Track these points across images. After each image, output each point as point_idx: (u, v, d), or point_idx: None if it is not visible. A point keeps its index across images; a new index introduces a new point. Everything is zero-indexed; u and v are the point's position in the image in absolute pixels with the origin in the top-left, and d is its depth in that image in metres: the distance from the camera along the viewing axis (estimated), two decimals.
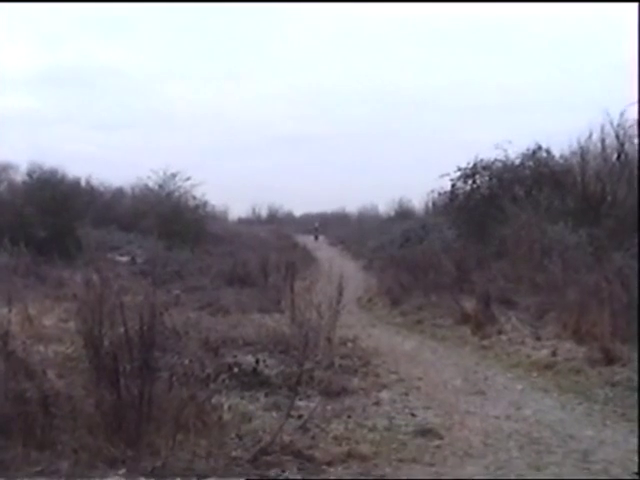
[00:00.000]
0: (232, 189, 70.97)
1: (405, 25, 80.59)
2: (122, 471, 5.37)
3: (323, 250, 42.71)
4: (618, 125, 21.25)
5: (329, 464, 5.85)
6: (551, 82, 76.39)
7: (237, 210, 73.60)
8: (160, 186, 37.41)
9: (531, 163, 24.20)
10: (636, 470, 5.84)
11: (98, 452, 5.50)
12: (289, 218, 67.94)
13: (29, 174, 32.28)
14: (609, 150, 21.79)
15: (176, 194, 37.34)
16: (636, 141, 20.89)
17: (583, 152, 22.64)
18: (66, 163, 46.19)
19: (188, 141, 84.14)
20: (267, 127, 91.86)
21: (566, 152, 23.73)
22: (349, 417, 7.33)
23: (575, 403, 8.33)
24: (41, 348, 8.24)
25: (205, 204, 38.03)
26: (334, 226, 55.44)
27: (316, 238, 51.77)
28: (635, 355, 9.38)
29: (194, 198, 37.29)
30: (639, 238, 15.15)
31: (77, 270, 16.94)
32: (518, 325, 12.96)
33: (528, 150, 24.19)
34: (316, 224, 54.87)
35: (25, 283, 16.75)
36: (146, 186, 38.38)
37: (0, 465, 5.36)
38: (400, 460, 6.06)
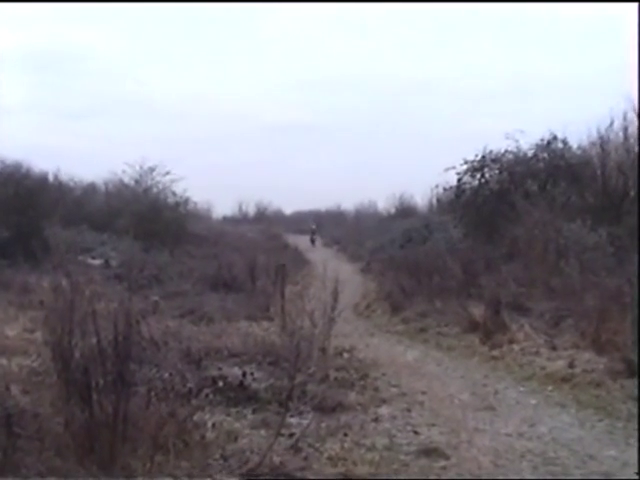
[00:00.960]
0: (216, 185, 70.89)
1: (406, 8, 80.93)
2: None
3: (317, 251, 42.73)
4: None
5: None
6: (568, 65, 76.89)
7: (222, 208, 73.62)
8: (136, 181, 37.39)
9: (545, 155, 24.25)
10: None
11: (67, 476, 5.47)
12: (279, 216, 67.93)
13: None
14: (632, 140, 21.82)
15: (154, 190, 37.31)
16: None
17: (603, 142, 22.72)
18: (32, 156, 45.95)
19: (167, 132, 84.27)
20: (255, 116, 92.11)
21: (584, 142, 23.86)
22: (345, 435, 7.31)
23: (595, 420, 8.33)
24: (4, 361, 8.23)
25: (186, 201, 37.95)
26: (329, 225, 55.49)
27: (312, 242, 49.37)
28: None
29: (174, 194, 37.26)
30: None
31: (44, 274, 16.94)
32: (531, 333, 12.96)
33: (542, 140, 24.27)
34: (313, 225, 52.05)
35: None
36: (121, 181, 38.38)
37: None
38: None
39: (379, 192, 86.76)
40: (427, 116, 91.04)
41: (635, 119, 21.45)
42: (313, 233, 50.58)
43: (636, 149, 21.57)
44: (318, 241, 50.51)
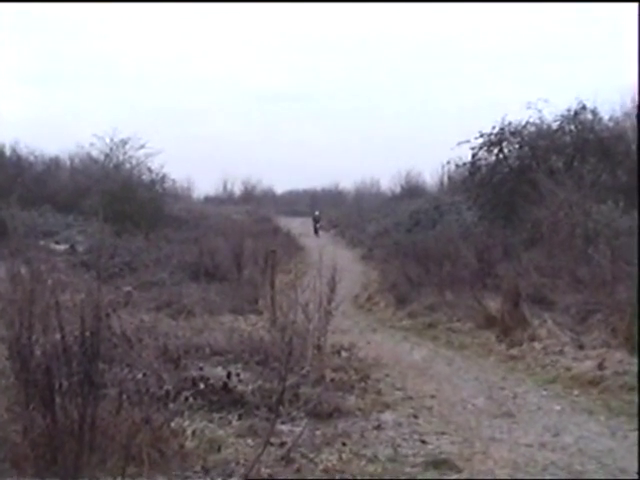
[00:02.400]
0: (197, 160, 71.08)
1: None
2: None
3: (311, 236, 42.72)
4: None
5: None
6: (600, 25, 76.54)
7: (203, 186, 73.87)
8: (106, 156, 37.40)
9: (572, 127, 24.25)
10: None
11: None
12: (269, 196, 68.00)
13: None
14: None
15: (127, 166, 37.36)
16: None
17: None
18: None
19: (142, 100, 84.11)
20: (241, 83, 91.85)
21: (617, 113, 23.90)
22: (343, 445, 7.30)
23: (627, 429, 8.32)
24: None
25: (163, 178, 37.99)
26: (326, 206, 55.50)
27: (316, 232, 47.30)
28: None
29: (149, 171, 37.32)
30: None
31: (0, 262, 16.87)
32: (555, 330, 12.97)
33: (569, 111, 24.25)
34: (316, 212, 49.57)
35: None
36: (89, 156, 38.40)
37: None
38: None
39: (382, 169, 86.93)
40: (437, 83, 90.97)
41: None
42: (317, 221, 48.49)
43: None
44: (311, 226, 49.95)
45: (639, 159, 19.72)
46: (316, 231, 47.18)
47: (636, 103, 22.49)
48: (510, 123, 24.84)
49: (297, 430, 7.40)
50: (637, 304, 11.06)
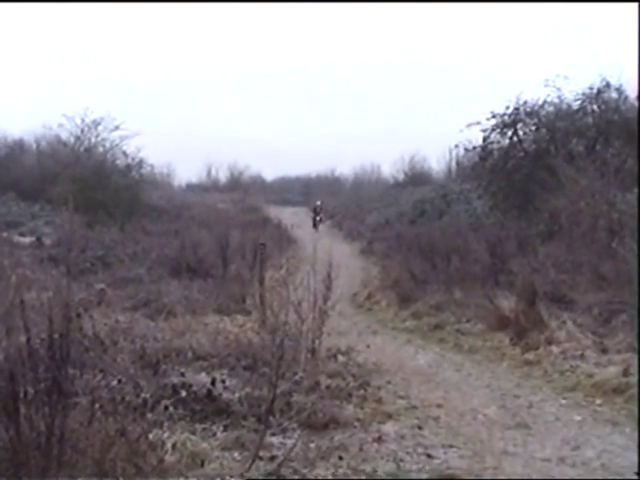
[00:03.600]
0: (178, 143, 70.93)
1: None
2: None
3: (305, 227, 42.69)
4: None
5: None
6: None
7: (185, 172, 73.85)
8: (77, 138, 37.31)
9: (595, 107, 24.25)
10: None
11: None
12: (258, 183, 68.07)
13: None
14: None
15: (99, 149, 37.30)
16: None
17: None
18: None
19: (117, 77, 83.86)
20: (227, 59, 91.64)
21: None
22: (340, 459, 7.30)
23: None
24: None
25: (140, 163, 37.92)
26: (321, 195, 55.43)
27: (315, 225, 45.07)
28: None
29: (125, 155, 37.24)
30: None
31: None
32: (576, 332, 12.99)
33: (591, 89, 24.25)
34: (317, 202, 47.28)
35: None
36: (57, 138, 38.29)
37: None
38: None
39: (384, 154, 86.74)
40: (444, 59, 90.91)
41: None
42: (317, 213, 46.26)
43: None
44: (306, 216, 49.68)
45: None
46: (315, 225, 45.24)
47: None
48: (526, 102, 24.87)
49: (289, 443, 7.40)
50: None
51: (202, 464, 6.77)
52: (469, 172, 29.76)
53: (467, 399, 10.28)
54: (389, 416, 9.07)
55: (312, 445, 7.56)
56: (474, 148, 26.24)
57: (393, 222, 35.21)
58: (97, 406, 6.15)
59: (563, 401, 10.23)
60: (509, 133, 25.00)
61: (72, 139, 37.40)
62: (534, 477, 7.04)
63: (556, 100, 24.53)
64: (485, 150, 25.45)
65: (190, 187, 63.64)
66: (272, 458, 6.91)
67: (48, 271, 15.11)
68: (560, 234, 19.34)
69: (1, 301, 6.08)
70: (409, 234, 27.48)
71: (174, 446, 6.91)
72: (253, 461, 6.37)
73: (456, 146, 29.11)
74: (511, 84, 61.50)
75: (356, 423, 8.61)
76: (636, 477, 6.14)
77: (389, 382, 10.96)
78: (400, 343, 15.53)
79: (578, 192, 18.97)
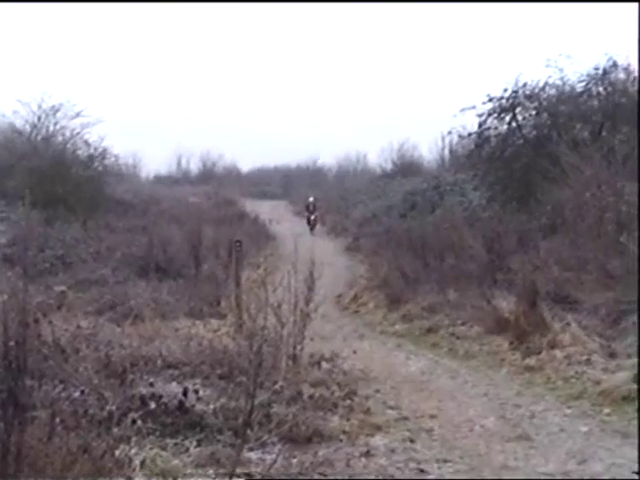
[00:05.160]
0: (145, 131, 70.65)
1: None
2: None
3: (285, 222, 42.69)
4: None
5: None
6: None
7: (153, 163, 73.57)
8: (34, 126, 37.03)
9: (601, 89, 24.28)
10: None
11: None
12: (233, 175, 67.89)
13: None
14: None
15: (59, 139, 37.04)
16: None
17: None
18: None
19: (77, 57, 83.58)
20: (196, 35, 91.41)
21: None
22: (324, 476, 7.31)
23: None
24: None
25: (104, 154, 37.73)
26: (302, 186, 55.44)
27: (311, 225, 42.51)
28: None
29: (87, 145, 37.01)
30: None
31: None
32: (581, 335, 13.02)
33: (597, 69, 24.28)
34: (310, 198, 44.45)
35: None
36: (11, 126, 37.97)
37: None
38: None
39: (370, 142, 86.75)
40: (436, 35, 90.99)
41: None
42: (311, 211, 43.62)
43: None
44: (292, 213, 49.32)
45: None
46: (310, 224, 42.49)
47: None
48: (525, 84, 24.87)
49: (268, 458, 7.40)
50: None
51: None
52: (464, 161, 29.79)
53: (463, 409, 10.31)
54: (378, 428, 9.07)
55: (294, 461, 7.55)
56: (469, 135, 26.27)
57: (381, 216, 35.21)
58: (57, 420, 6.13)
59: (568, 410, 10.24)
60: (507, 118, 25.02)
61: (28, 127, 37.11)
62: None
63: (558, 82, 24.60)
64: (481, 137, 25.46)
65: (159, 179, 63.45)
66: (250, 475, 6.91)
67: (2, 272, 15.04)
68: (563, 228, 19.36)
69: None
70: (399, 229, 27.52)
71: (143, 463, 6.89)
72: (230, 479, 6.37)
73: (449, 132, 29.31)
74: (509, 64, 61.52)
75: (342, 436, 8.62)
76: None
77: (378, 391, 10.99)
78: (389, 348, 15.57)
79: (583, 182, 18.98)
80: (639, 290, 11.45)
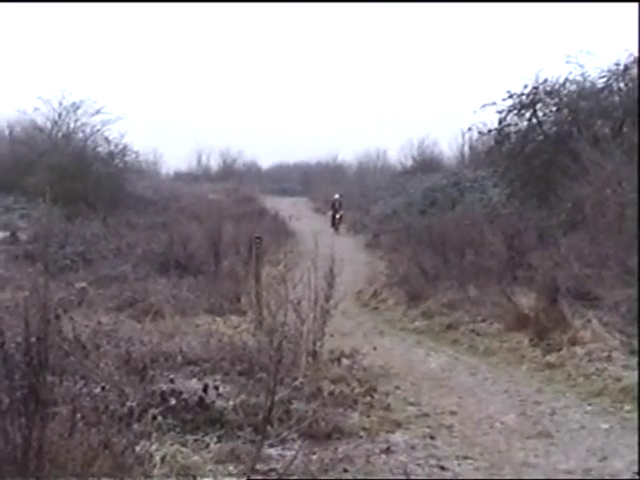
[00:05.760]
0: (166, 128, 70.70)
1: None
2: None
3: (304, 219, 42.64)
4: None
5: None
6: None
7: (173, 160, 73.51)
8: (54, 123, 37.13)
9: (622, 85, 24.16)
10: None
11: None
12: (253, 172, 67.96)
13: None
14: None
15: (79, 135, 37.15)
16: None
17: None
18: None
19: (98, 56, 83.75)
20: (216, 33, 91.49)
21: None
22: (345, 471, 7.30)
23: None
24: None
25: (124, 150, 37.86)
26: (322, 183, 55.39)
27: (335, 225, 41.15)
28: None
29: (107, 141, 37.15)
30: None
31: None
32: (602, 332, 12.97)
33: (617, 65, 24.15)
34: (336, 195, 43.01)
35: None
36: (33, 123, 38.08)
37: None
38: None
39: (390, 138, 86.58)
40: (456, 30, 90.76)
41: None
42: (336, 209, 42.10)
43: None
44: (307, 208, 49.34)
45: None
46: (334, 224, 41.20)
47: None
48: (546, 81, 24.79)
49: (288, 454, 7.39)
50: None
51: (194, 479, 6.76)
52: (484, 157, 29.74)
53: (483, 406, 10.29)
54: (398, 425, 9.06)
55: (314, 457, 7.54)
56: (489, 131, 26.22)
57: (401, 213, 35.19)
58: (78, 416, 6.13)
59: (588, 407, 10.20)
60: (527, 114, 24.96)
61: (49, 124, 37.20)
62: None
63: (579, 78, 24.52)
64: (501, 133, 25.41)
65: (179, 176, 63.48)
66: (270, 471, 6.90)
67: (24, 269, 15.10)
68: (584, 225, 19.30)
69: None
70: (418, 225, 27.49)
71: (163, 459, 6.90)
72: (250, 474, 6.36)
73: (469, 129, 29.15)
74: (530, 60, 61.33)
75: (362, 433, 8.61)
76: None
77: (398, 387, 10.97)
78: (409, 345, 15.54)
79: (603, 178, 18.92)
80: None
